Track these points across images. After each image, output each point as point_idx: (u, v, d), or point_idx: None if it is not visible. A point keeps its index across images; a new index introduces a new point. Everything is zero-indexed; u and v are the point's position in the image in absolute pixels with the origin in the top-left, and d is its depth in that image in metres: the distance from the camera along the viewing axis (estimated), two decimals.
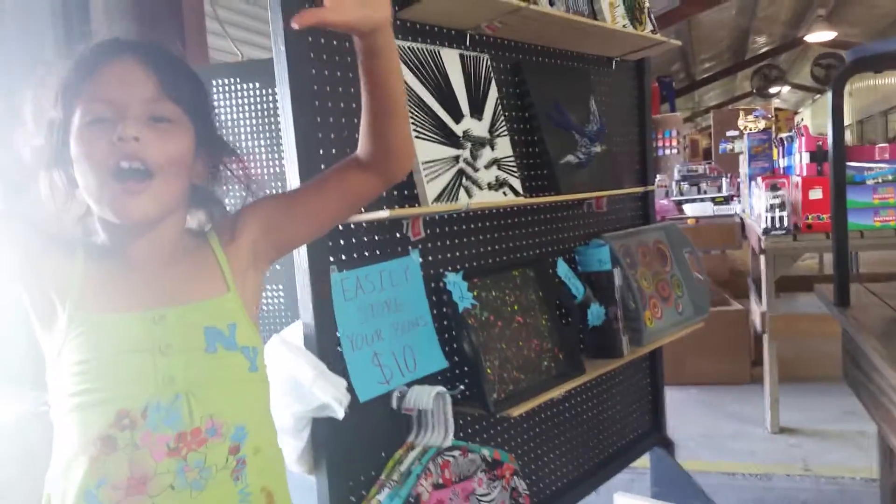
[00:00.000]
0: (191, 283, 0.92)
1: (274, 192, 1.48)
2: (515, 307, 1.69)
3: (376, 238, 1.48)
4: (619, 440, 2.24)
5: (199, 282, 0.93)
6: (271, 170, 1.75)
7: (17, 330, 1.43)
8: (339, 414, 1.29)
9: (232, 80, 1.81)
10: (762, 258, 3.26)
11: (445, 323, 1.59)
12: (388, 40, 0.89)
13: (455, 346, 1.59)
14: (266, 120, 1.79)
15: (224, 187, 0.99)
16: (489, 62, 1.75)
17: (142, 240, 0.91)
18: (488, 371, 1.56)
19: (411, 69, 1.53)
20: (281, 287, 1.75)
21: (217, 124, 0.97)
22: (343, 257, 1.41)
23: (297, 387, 1.28)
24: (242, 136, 1.78)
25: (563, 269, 1.85)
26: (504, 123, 1.74)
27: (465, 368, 1.58)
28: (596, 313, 1.89)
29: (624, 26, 2.03)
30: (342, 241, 1.41)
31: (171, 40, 0.91)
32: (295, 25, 0.79)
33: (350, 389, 1.33)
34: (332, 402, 1.29)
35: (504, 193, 1.66)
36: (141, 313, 0.88)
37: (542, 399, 1.62)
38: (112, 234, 0.91)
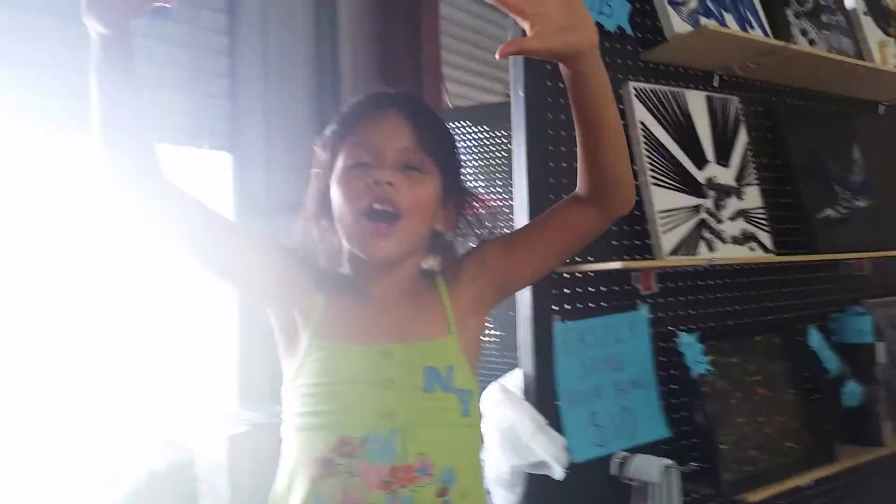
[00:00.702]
0: (417, 323, 0.95)
1: (489, 229, 1.48)
2: (757, 377, 1.55)
3: (603, 289, 1.41)
4: None
5: (425, 322, 0.95)
6: (488, 208, 1.78)
7: (261, 347, 1.55)
8: (558, 474, 1.22)
9: (463, 122, 1.94)
10: None
11: (672, 387, 1.48)
12: (596, 66, 0.86)
13: (682, 413, 1.47)
14: (487, 159, 1.87)
15: (462, 235, 1.01)
16: (739, 105, 1.63)
17: (382, 277, 0.95)
18: (723, 447, 1.41)
19: (651, 112, 1.47)
20: (499, 332, 1.73)
21: (464, 177, 1.00)
22: (567, 307, 1.36)
23: (515, 439, 1.24)
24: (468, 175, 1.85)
25: (815, 338, 1.69)
26: (754, 171, 1.61)
27: (694, 440, 1.46)
28: (852, 392, 1.69)
29: None
30: (567, 291, 1.37)
31: (412, 88, 0.95)
32: (499, 56, 0.79)
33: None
34: (549, 459, 1.23)
35: (751, 248, 1.53)
36: (370, 346, 0.92)
37: (785, 486, 1.45)
38: (356, 268, 0.96)
